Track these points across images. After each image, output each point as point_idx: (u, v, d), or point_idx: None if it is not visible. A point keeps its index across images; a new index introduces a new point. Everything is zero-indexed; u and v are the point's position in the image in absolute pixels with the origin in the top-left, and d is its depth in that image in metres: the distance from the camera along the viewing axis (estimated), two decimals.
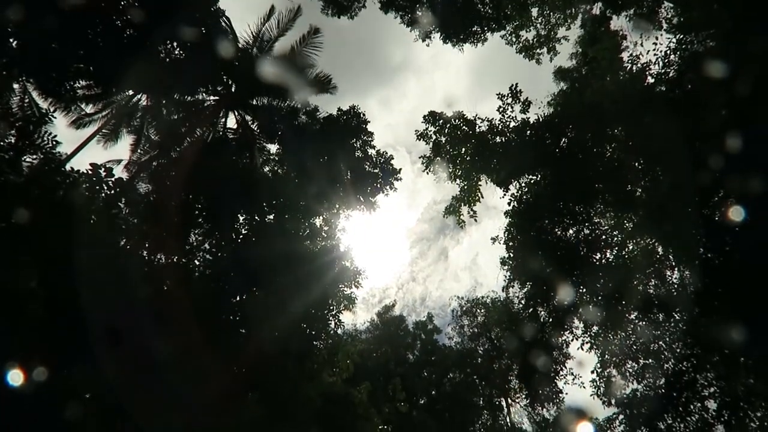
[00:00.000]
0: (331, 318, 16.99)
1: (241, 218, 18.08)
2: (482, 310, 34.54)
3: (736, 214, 14.37)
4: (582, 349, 19.05)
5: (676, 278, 18.13)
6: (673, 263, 17.93)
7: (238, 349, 13.03)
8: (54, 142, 15.69)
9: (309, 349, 15.22)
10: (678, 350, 18.21)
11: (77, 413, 10.26)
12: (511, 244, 19.46)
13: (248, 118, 25.65)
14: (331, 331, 17.86)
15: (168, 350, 10.85)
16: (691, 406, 17.72)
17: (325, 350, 17.49)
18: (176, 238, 15.55)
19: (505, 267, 19.75)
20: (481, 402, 35.07)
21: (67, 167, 15.42)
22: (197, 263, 16.39)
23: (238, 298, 16.39)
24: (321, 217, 22.22)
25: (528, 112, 19.25)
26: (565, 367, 21.18)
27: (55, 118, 17.02)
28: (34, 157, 15.58)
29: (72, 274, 11.52)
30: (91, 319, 11.22)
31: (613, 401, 20.08)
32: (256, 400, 11.04)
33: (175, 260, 15.42)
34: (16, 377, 9.66)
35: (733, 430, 16.76)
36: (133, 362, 10.64)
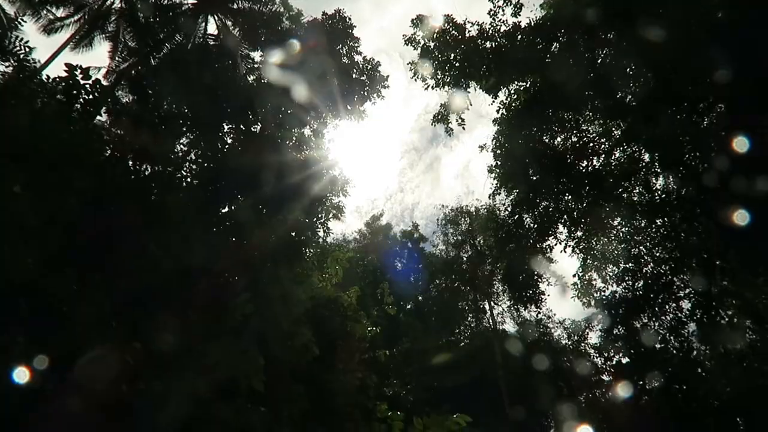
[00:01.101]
0: (319, 226, 17.25)
1: (226, 127, 17.74)
2: (466, 219, 35.14)
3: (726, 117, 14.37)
4: (565, 252, 19.64)
5: (660, 185, 18.37)
6: (659, 170, 18.08)
7: (228, 255, 13.31)
8: (27, 48, 15.16)
9: (298, 255, 15.55)
10: (658, 254, 18.83)
11: None
12: (498, 152, 19.46)
13: (229, 23, 24.62)
14: (320, 239, 18.17)
15: (159, 254, 11.04)
16: (667, 306, 18.64)
17: (314, 257, 17.88)
18: (161, 148, 15.32)
19: (493, 175, 19.84)
20: (466, 306, 36.54)
21: (43, 76, 14.91)
22: (184, 173, 16.26)
23: (226, 208, 16.47)
24: (308, 127, 21.86)
25: (520, 15, 18.62)
26: (549, 271, 21.99)
27: (25, 22, 16.29)
28: (7, 64, 15.03)
29: (57, 185, 11.43)
30: (82, 230, 11.29)
31: (592, 302, 21.03)
32: (247, 299, 11.40)
33: (161, 170, 15.29)
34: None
35: (705, 327, 17.73)
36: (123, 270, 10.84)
